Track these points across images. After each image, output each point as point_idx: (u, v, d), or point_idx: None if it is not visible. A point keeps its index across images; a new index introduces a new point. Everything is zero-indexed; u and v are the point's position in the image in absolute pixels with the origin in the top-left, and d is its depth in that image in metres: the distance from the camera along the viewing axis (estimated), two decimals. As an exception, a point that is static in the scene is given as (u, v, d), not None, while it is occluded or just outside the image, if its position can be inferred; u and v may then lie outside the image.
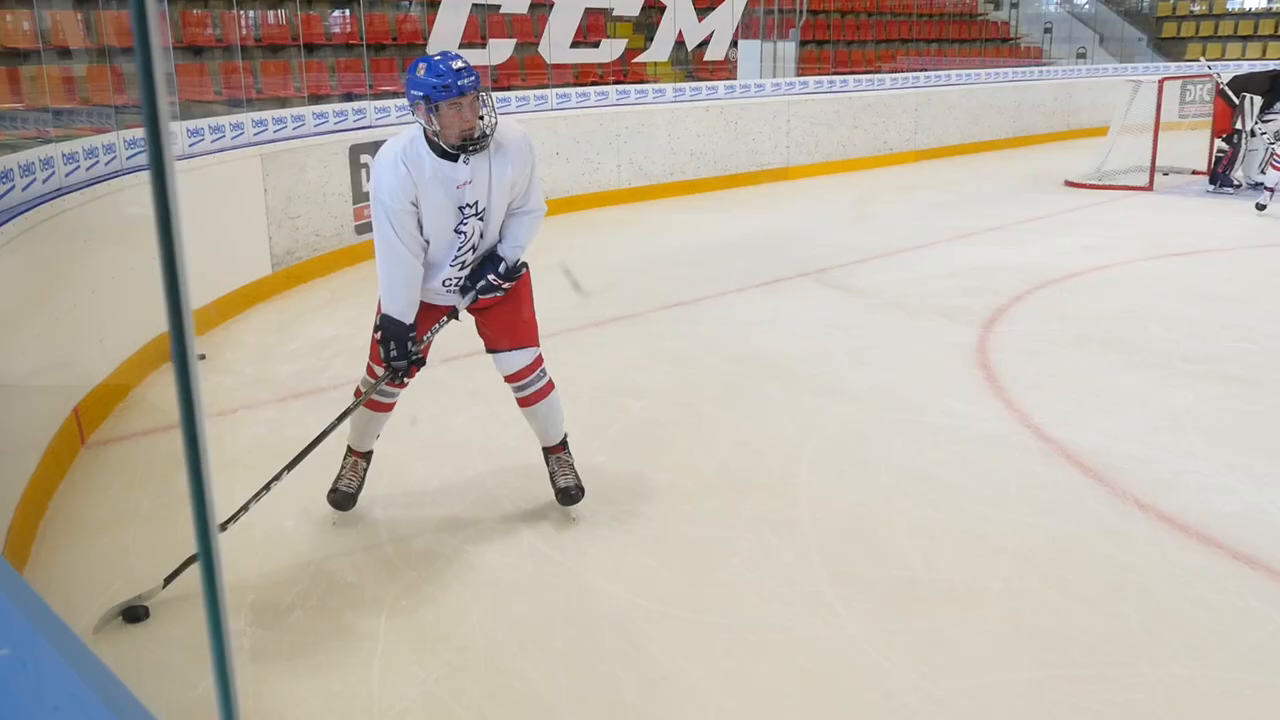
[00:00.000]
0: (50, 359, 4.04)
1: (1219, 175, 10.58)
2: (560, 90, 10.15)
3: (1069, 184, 11.12)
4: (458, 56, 3.08)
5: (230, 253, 6.24)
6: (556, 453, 3.61)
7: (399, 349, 3.23)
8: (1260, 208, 9.14)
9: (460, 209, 3.16)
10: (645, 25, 11.54)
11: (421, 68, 3.05)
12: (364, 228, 7.59)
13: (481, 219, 3.22)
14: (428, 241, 3.20)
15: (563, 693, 2.65)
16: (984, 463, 4.00)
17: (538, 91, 10.03)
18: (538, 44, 10.40)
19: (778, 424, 4.44)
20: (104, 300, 4.57)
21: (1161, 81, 10.85)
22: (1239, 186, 10.39)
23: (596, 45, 11.06)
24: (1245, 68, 10.63)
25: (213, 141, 6.39)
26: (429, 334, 3.35)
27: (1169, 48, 20.04)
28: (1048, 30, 18.79)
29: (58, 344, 4.13)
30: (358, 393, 3.49)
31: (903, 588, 3.13)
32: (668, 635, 2.88)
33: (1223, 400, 4.64)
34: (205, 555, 0.93)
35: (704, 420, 4.50)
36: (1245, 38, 17.79)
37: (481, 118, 3.07)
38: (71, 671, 1.12)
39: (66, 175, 4.67)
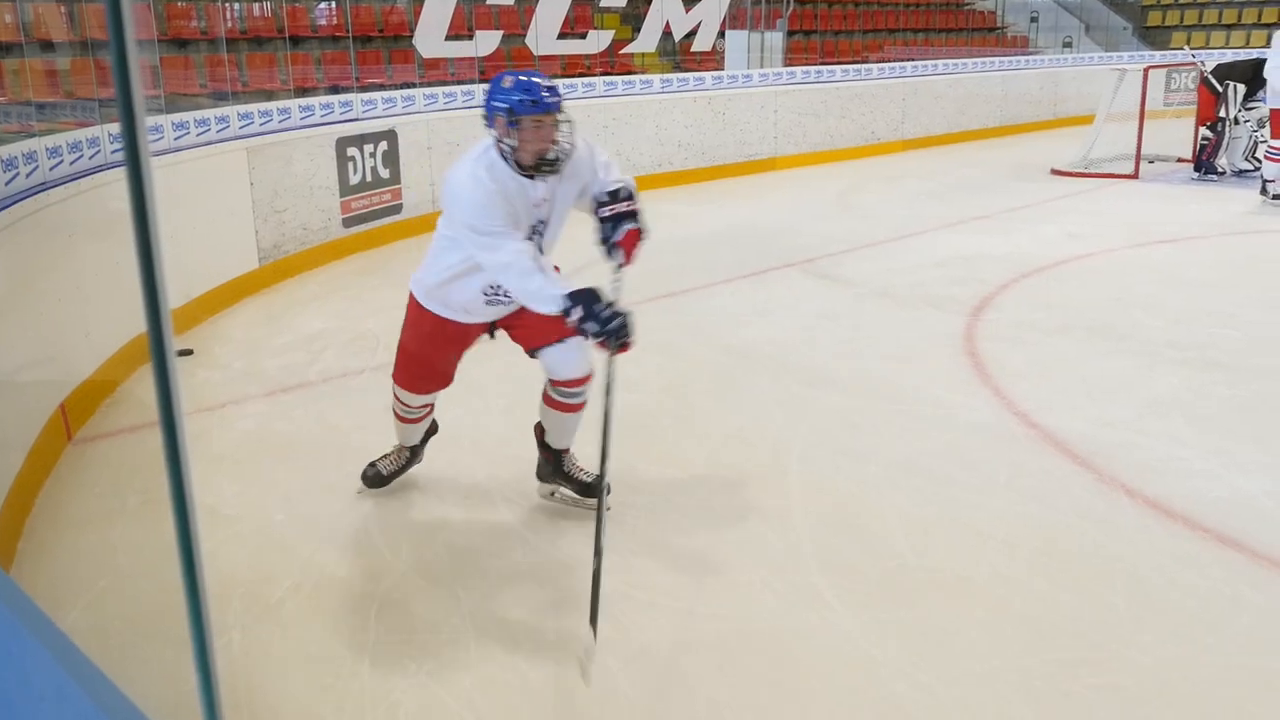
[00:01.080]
0: (36, 355, 4.03)
1: (1203, 163, 10.62)
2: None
3: (1055, 172, 11.15)
4: (542, 75, 3.08)
5: (217, 246, 6.21)
6: (567, 453, 3.59)
7: (606, 311, 2.98)
8: (1275, 197, 9.04)
9: (530, 227, 3.15)
10: (632, 16, 11.51)
11: (508, 80, 3.03)
12: (351, 220, 7.57)
13: (541, 235, 3.21)
14: None
15: (554, 683, 2.65)
16: (972, 451, 4.02)
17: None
18: (525, 36, 10.37)
19: (767, 415, 4.44)
20: (89, 295, 4.54)
21: (1146, 70, 10.87)
22: (1223, 174, 10.44)
23: (584, 36, 11.03)
24: (1229, 56, 10.64)
25: (198, 135, 6.36)
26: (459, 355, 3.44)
27: (1154, 36, 20.10)
28: (1034, 19, 18.82)
29: (43, 340, 4.11)
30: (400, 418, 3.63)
31: (893, 577, 3.14)
32: (659, 626, 2.89)
33: (1207, 387, 4.66)
34: (186, 552, 0.93)
35: (694, 411, 4.50)
36: (1229, 26, 17.87)
37: (556, 142, 3.04)
38: (58, 666, 1.12)
39: (50, 169, 4.64)
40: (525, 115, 2.96)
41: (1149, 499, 3.58)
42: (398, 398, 3.55)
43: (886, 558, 3.25)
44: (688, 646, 2.80)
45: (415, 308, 3.39)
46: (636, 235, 3.26)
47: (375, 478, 3.65)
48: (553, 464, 3.58)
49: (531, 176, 3.06)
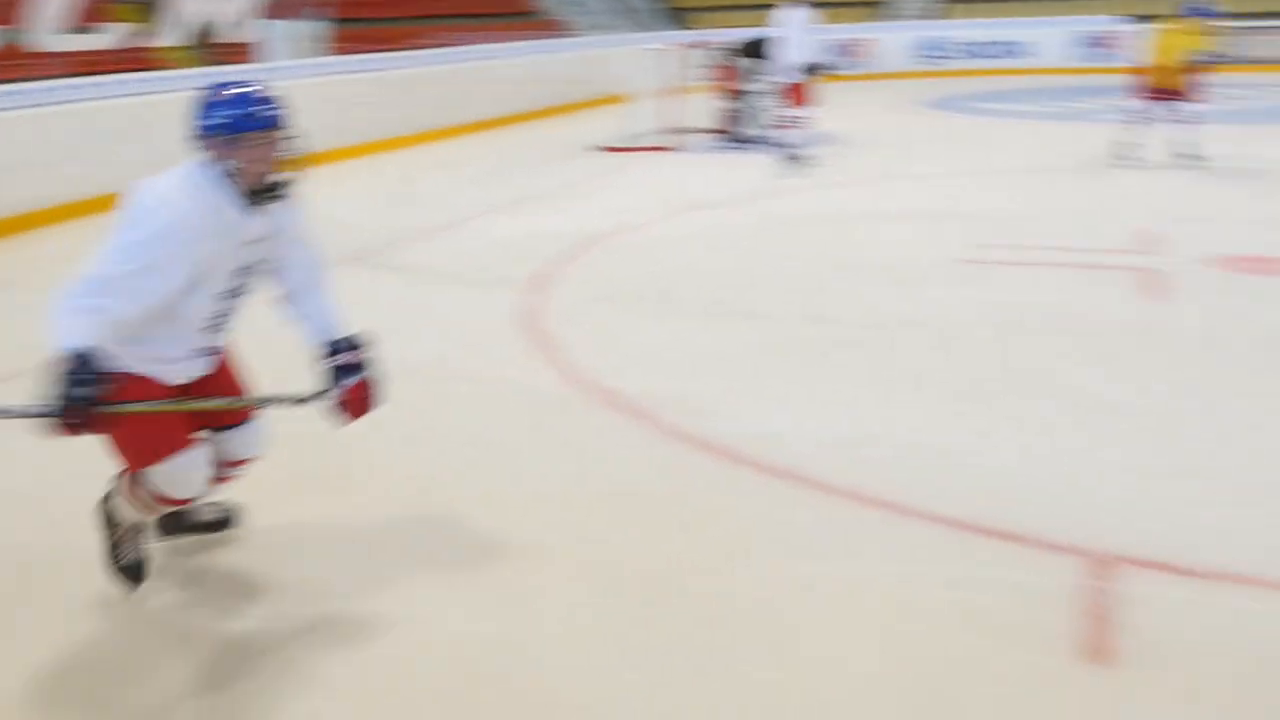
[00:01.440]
0: None
1: (730, 133, 11.66)
2: (50, 83, 8.86)
3: (599, 149, 11.67)
4: (261, 85, 2.67)
5: None
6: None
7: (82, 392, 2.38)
8: (791, 161, 9.96)
9: (236, 270, 2.71)
10: (155, 7, 10.64)
11: (223, 93, 2.61)
12: None
13: (246, 280, 2.79)
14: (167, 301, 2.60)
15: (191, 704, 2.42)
16: (542, 421, 4.18)
17: (22, 85, 8.70)
18: (24, 29, 9.25)
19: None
20: None
21: (675, 48, 11.71)
22: (748, 142, 11.44)
23: (97, 30, 10.06)
24: (745, 35, 11.68)
25: None
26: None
27: (683, 17, 21.82)
28: (571, 3, 19.64)
29: None
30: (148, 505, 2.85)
31: (477, 553, 3.18)
32: (262, 641, 2.72)
33: (748, 337, 5.14)
34: None
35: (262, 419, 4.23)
36: (746, 7, 19.51)
37: (284, 162, 2.64)
38: None
39: None
40: (247, 133, 2.59)
41: (704, 442, 3.87)
42: (159, 493, 2.79)
43: (468, 535, 3.29)
44: (316, 643, 2.70)
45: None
46: (365, 389, 2.88)
47: (135, 568, 2.98)
48: (175, 518, 3.17)
49: (255, 204, 2.65)
